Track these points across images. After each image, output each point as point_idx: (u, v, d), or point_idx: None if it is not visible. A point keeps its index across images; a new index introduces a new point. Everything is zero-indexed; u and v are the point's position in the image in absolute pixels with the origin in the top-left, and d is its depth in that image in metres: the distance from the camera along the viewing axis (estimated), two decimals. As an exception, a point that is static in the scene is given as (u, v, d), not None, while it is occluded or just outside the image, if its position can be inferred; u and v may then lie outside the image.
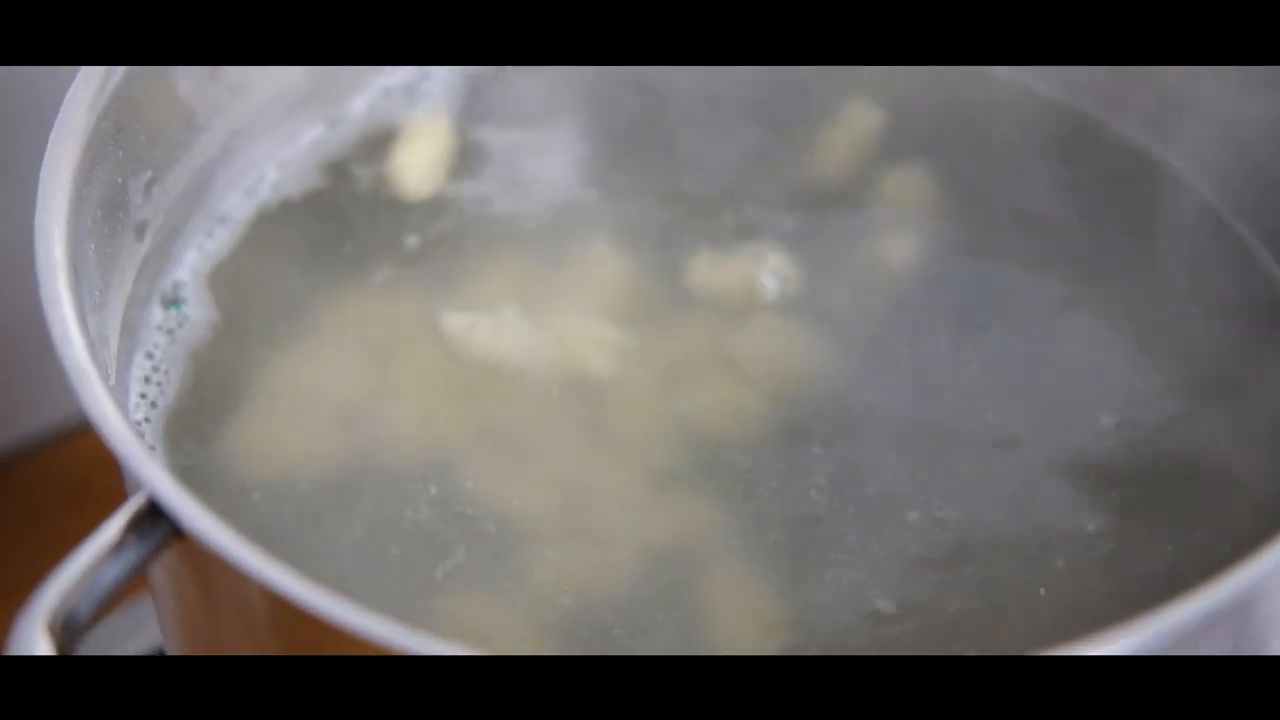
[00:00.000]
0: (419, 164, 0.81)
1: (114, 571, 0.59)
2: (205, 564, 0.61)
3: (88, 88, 0.70)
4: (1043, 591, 0.69)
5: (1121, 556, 0.70)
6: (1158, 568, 0.69)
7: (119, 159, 0.72)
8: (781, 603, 0.68)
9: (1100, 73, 0.81)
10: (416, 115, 0.83)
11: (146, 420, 0.74)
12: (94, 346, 0.65)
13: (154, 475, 0.60)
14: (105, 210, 0.71)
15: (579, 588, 0.69)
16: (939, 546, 0.70)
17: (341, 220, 0.80)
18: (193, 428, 0.74)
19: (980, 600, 0.69)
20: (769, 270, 0.78)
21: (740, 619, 0.68)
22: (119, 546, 0.60)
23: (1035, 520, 0.71)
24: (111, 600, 0.60)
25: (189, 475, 0.72)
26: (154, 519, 0.60)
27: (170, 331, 0.76)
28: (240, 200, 0.80)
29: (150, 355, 0.75)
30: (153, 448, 0.73)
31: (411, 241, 0.79)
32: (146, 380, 0.75)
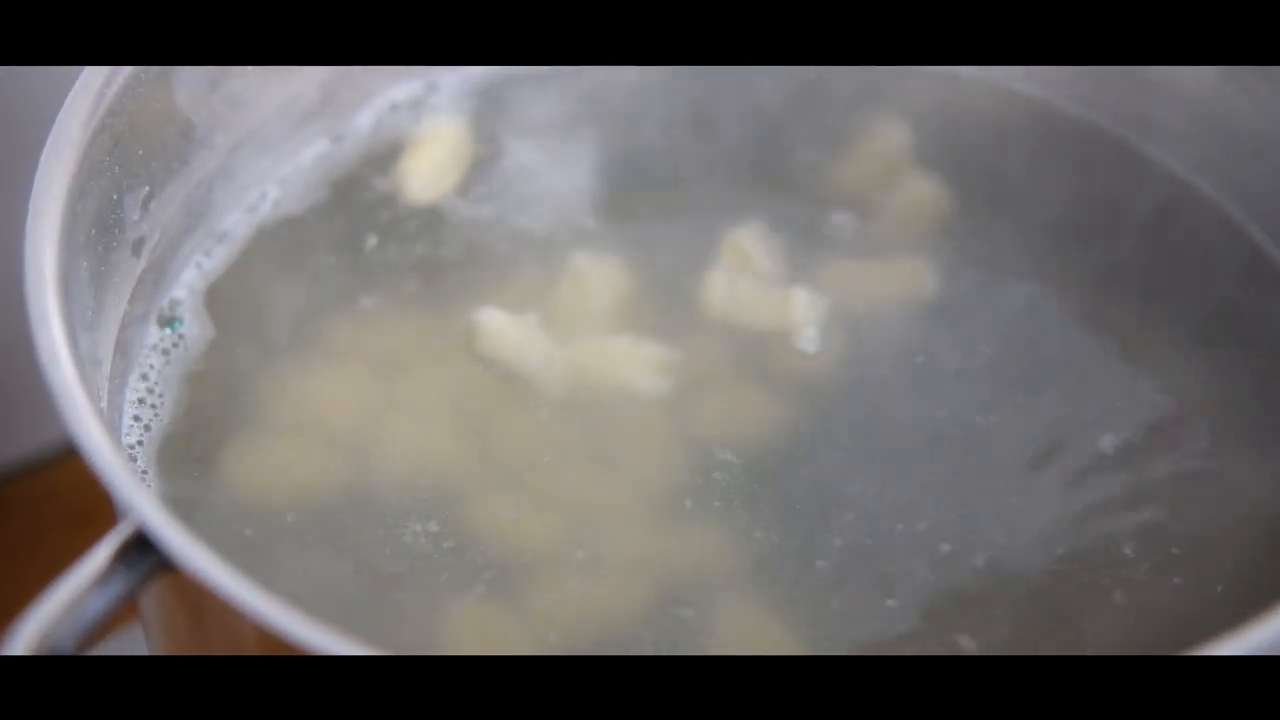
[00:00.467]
0: (425, 170, 0.79)
1: (99, 603, 0.57)
2: (195, 596, 0.58)
3: (84, 99, 0.68)
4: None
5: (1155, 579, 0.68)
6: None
7: (115, 174, 0.70)
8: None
9: (1120, 88, 0.79)
10: (425, 127, 0.80)
11: (140, 444, 0.71)
12: (84, 368, 0.62)
13: (142, 504, 0.57)
14: (100, 227, 0.69)
15: (584, 620, 0.67)
16: (969, 579, 0.68)
17: (345, 238, 0.78)
18: (188, 452, 0.72)
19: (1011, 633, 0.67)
20: (788, 292, 0.75)
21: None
22: (105, 577, 0.58)
23: (1069, 544, 0.69)
24: (96, 631, 0.57)
25: (183, 502, 0.70)
26: (142, 549, 0.58)
27: (166, 352, 0.74)
28: (241, 217, 0.78)
29: (145, 377, 0.73)
30: (145, 472, 0.71)
31: (417, 261, 0.77)
32: (141, 402, 0.72)
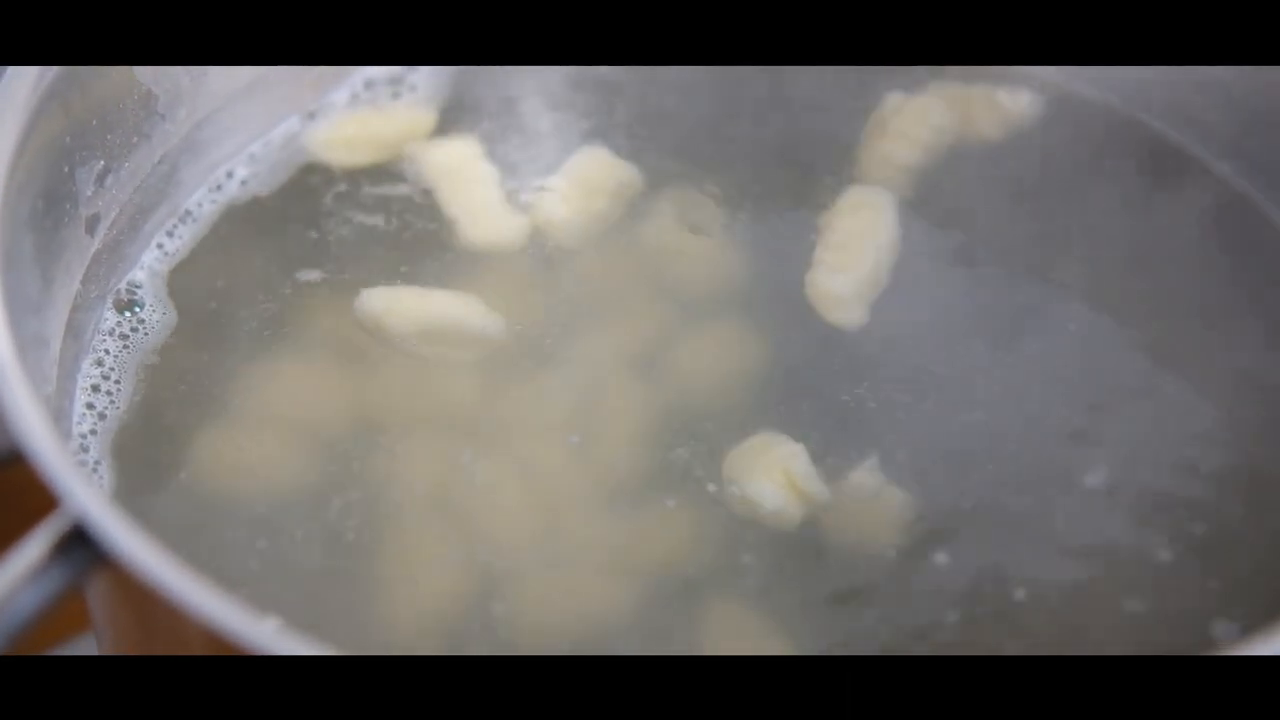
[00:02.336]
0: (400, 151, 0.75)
1: (31, 598, 0.53)
2: (137, 593, 0.54)
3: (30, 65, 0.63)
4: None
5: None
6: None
7: (65, 144, 0.66)
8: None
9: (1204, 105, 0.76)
10: (401, 107, 0.76)
11: (93, 433, 0.67)
12: (25, 347, 0.58)
13: (77, 492, 0.53)
14: (48, 200, 0.65)
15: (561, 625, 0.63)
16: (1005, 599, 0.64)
17: (316, 220, 0.74)
18: (145, 443, 0.68)
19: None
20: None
21: None
22: (39, 571, 0.54)
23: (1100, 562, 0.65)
24: (26, 628, 0.53)
25: (139, 495, 0.66)
26: (80, 542, 0.54)
27: (124, 337, 0.70)
28: (206, 196, 0.74)
29: (100, 363, 0.69)
30: (99, 463, 0.66)
31: (390, 245, 0.73)
32: (95, 390, 0.68)
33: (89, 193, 0.68)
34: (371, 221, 0.73)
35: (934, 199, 0.75)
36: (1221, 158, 0.76)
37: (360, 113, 0.76)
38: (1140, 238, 0.73)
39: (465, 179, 0.74)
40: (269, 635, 0.51)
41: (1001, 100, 0.77)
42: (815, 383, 0.69)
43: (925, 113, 0.76)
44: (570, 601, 0.64)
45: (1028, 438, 0.68)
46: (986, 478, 0.67)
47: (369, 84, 0.77)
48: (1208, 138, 0.76)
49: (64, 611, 0.59)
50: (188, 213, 0.73)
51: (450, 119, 0.77)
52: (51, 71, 0.64)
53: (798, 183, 0.75)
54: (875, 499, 0.66)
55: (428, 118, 0.76)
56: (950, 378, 0.69)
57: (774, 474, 0.66)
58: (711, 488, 0.66)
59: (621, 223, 0.74)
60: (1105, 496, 0.66)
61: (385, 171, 0.75)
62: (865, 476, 0.66)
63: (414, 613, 0.64)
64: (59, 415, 0.65)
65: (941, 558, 0.65)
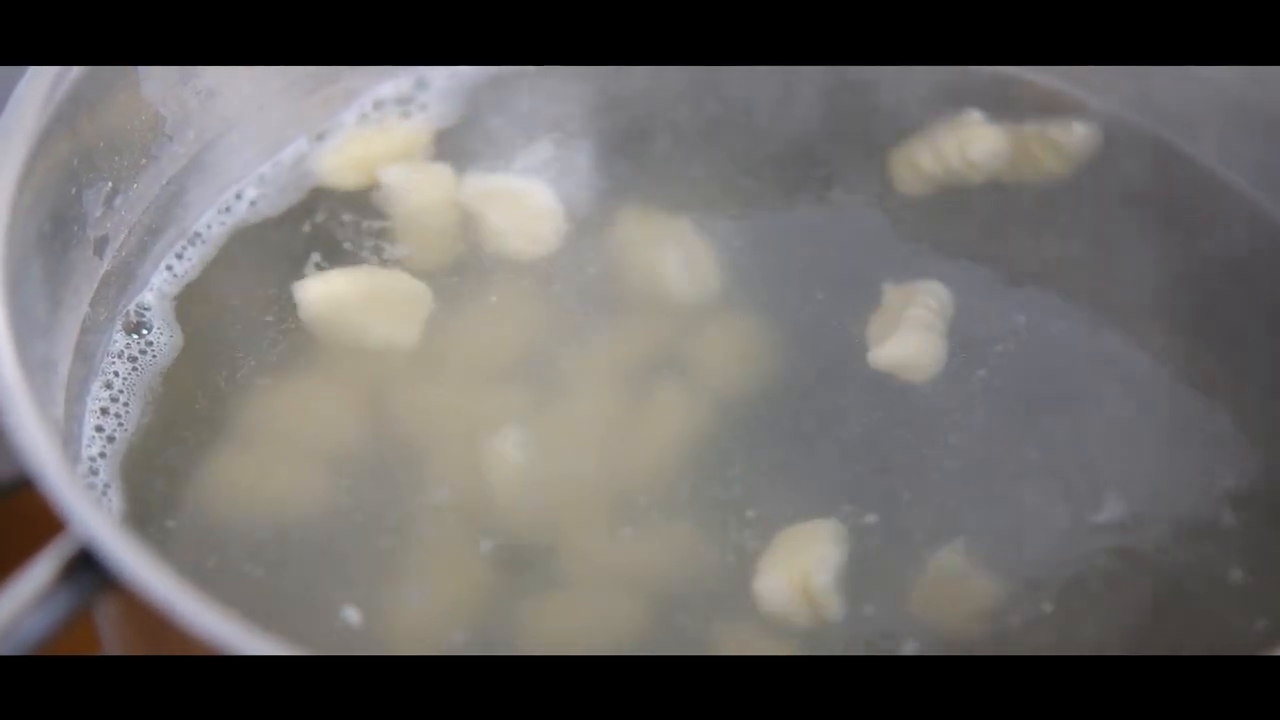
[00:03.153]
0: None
1: (39, 622, 0.53)
2: (146, 617, 0.54)
3: (38, 85, 0.63)
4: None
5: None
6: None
7: (73, 167, 0.65)
8: None
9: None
10: (411, 127, 0.76)
11: (102, 455, 0.67)
12: (33, 370, 0.58)
13: (84, 515, 0.53)
14: (56, 222, 0.65)
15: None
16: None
17: (325, 242, 0.73)
18: (154, 465, 0.67)
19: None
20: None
21: None
22: (46, 595, 0.53)
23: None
24: (34, 652, 0.53)
25: (148, 519, 0.66)
26: (87, 565, 0.53)
27: (133, 359, 0.70)
28: (215, 218, 0.73)
29: (109, 385, 0.69)
30: (108, 487, 0.66)
31: (400, 265, 0.72)
32: (104, 412, 0.68)
33: (97, 214, 0.68)
34: (380, 241, 0.73)
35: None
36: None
37: (364, 133, 0.76)
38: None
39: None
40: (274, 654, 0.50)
41: (1055, 135, 0.76)
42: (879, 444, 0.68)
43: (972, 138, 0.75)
44: (584, 621, 0.64)
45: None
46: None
47: (378, 104, 0.77)
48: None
49: (75, 639, 0.59)
50: (197, 234, 0.73)
51: (456, 138, 0.76)
52: (59, 92, 0.64)
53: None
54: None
55: (424, 137, 0.76)
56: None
57: (793, 574, 0.64)
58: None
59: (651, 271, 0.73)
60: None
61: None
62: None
63: (424, 635, 0.63)
64: (68, 439, 0.65)
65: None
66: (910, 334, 0.69)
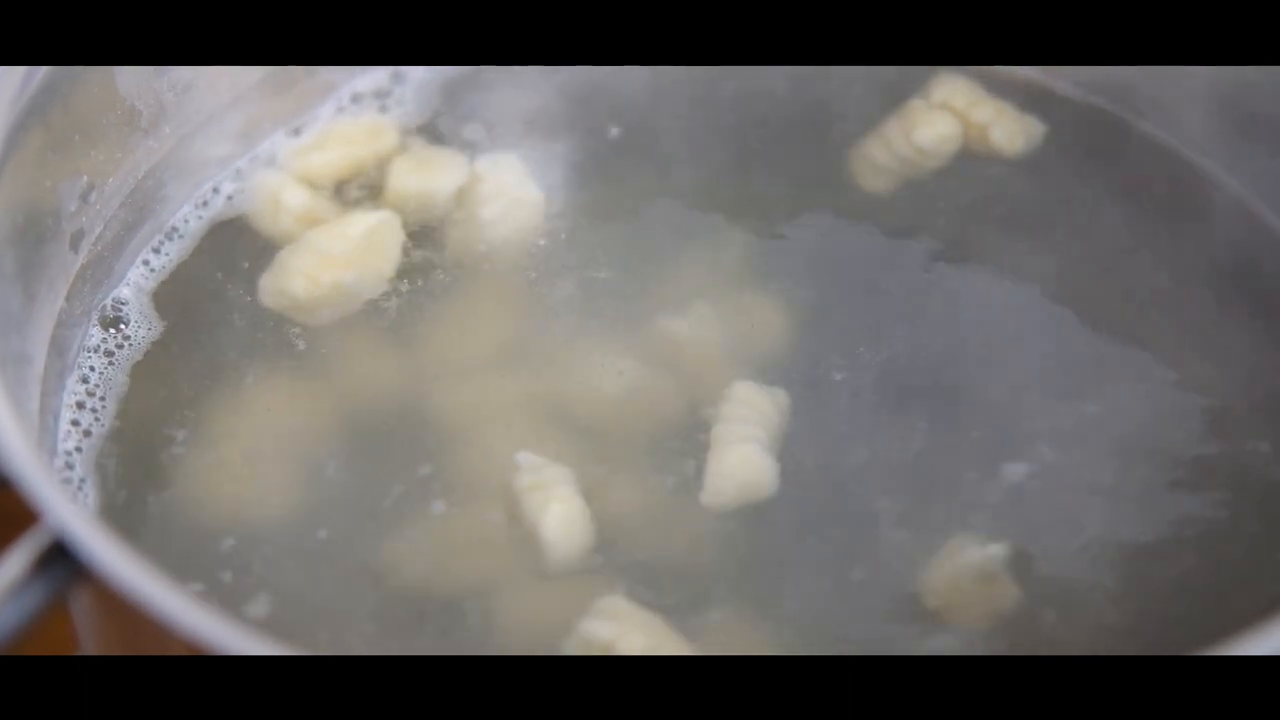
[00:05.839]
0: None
1: (10, 613, 0.53)
2: (120, 608, 0.54)
3: (10, 78, 0.63)
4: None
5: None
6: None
7: (48, 160, 0.65)
8: None
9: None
10: (389, 121, 0.76)
11: (78, 449, 0.67)
12: (4, 365, 0.58)
13: (57, 506, 0.53)
14: (30, 216, 0.65)
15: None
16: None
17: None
18: (131, 459, 0.67)
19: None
20: None
21: None
22: (19, 587, 0.53)
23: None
24: (8, 643, 0.53)
25: (124, 513, 0.66)
26: (60, 557, 0.53)
27: (109, 354, 0.69)
28: (192, 212, 0.73)
29: (85, 379, 0.68)
30: (83, 480, 0.66)
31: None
32: (80, 406, 0.68)
33: (73, 208, 0.68)
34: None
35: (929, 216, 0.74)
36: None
37: (334, 128, 0.76)
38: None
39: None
40: (251, 643, 0.50)
41: (1011, 116, 0.76)
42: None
43: (928, 121, 0.75)
44: (566, 616, 0.64)
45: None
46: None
47: (355, 98, 0.77)
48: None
49: (53, 633, 0.59)
50: (174, 229, 0.73)
51: (435, 132, 0.76)
52: (32, 85, 0.64)
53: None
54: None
55: (390, 135, 0.75)
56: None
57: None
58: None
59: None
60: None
61: (365, 184, 0.75)
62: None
63: (403, 625, 0.63)
64: (43, 432, 0.65)
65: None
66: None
